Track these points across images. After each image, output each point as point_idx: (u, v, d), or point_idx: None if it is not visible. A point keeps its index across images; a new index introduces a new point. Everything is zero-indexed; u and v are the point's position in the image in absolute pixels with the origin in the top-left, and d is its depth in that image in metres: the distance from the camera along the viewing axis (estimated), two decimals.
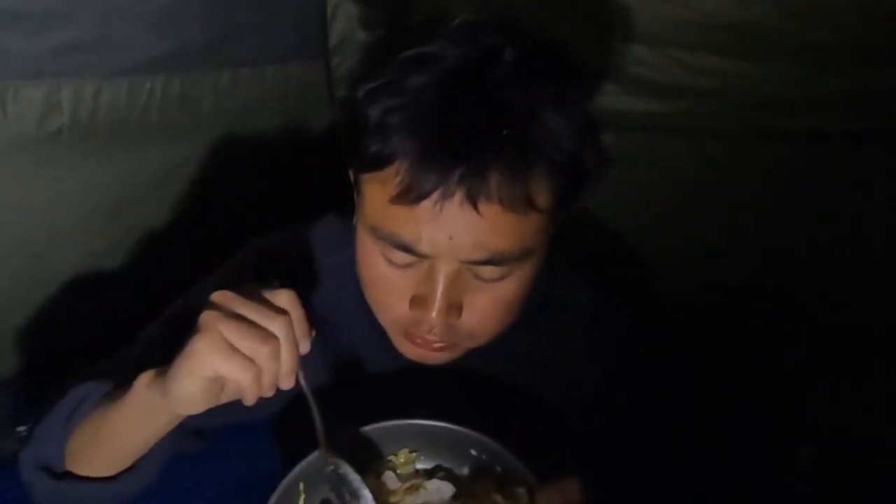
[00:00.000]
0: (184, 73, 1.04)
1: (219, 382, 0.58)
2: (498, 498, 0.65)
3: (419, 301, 0.67)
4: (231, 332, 0.56)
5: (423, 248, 0.64)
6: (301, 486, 0.68)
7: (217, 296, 0.58)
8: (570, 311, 0.85)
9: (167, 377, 0.59)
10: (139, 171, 1.10)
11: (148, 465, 0.70)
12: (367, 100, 0.64)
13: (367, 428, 0.68)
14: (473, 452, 0.68)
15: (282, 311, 0.58)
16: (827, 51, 0.99)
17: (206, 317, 0.57)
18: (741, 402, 1.13)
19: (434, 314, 0.66)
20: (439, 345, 0.71)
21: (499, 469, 0.66)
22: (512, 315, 0.72)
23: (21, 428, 1.19)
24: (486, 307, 0.69)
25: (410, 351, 0.74)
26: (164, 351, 0.76)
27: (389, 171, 0.62)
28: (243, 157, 1.25)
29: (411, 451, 0.71)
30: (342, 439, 0.67)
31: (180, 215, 1.18)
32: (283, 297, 0.59)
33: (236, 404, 0.62)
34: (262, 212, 1.17)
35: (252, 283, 0.60)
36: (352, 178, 0.74)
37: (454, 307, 0.67)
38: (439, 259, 0.65)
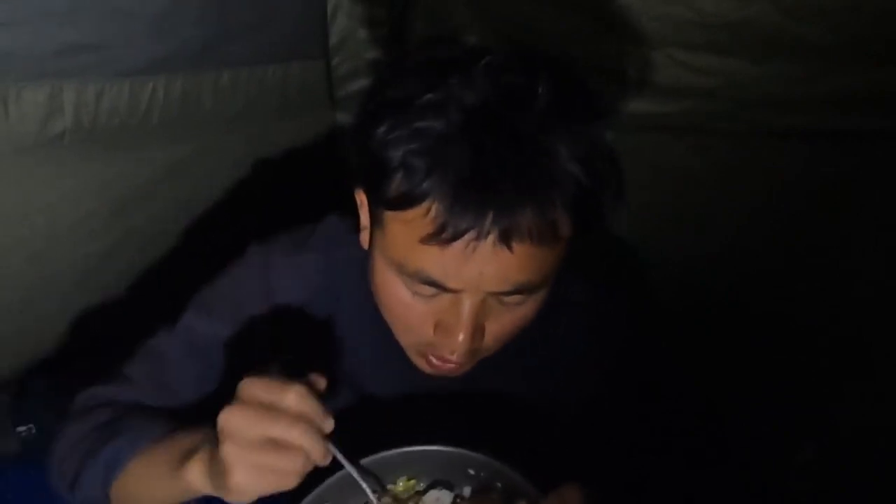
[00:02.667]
0: (185, 74, 1.04)
1: None
2: None
3: (444, 328, 0.68)
4: (259, 460, 0.57)
5: (453, 284, 0.64)
6: None
7: (230, 420, 0.57)
8: (569, 311, 0.85)
9: (215, 486, 0.61)
10: (140, 173, 1.10)
11: None
12: (386, 142, 0.63)
13: (364, 461, 0.68)
14: (471, 472, 0.68)
15: (299, 411, 0.58)
16: (827, 50, 0.99)
17: (229, 452, 0.57)
18: (741, 402, 1.13)
19: (461, 340, 0.67)
20: (455, 365, 0.72)
21: (499, 485, 0.66)
22: (527, 326, 0.73)
23: (21, 428, 1.19)
24: (506, 327, 0.70)
25: (425, 367, 0.74)
26: (177, 363, 0.80)
27: (417, 211, 0.62)
28: (244, 157, 1.25)
29: (409, 479, 0.71)
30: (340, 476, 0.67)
31: (181, 216, 1.19)
32: (293, 398, 0.58)
33: None
34: (263, 211, 1.17)
35: (255, 378, 0.59)
36: (360, 201, 0.73)
37: (478, 331, 0.68)
38: (466, 291, 0.65)
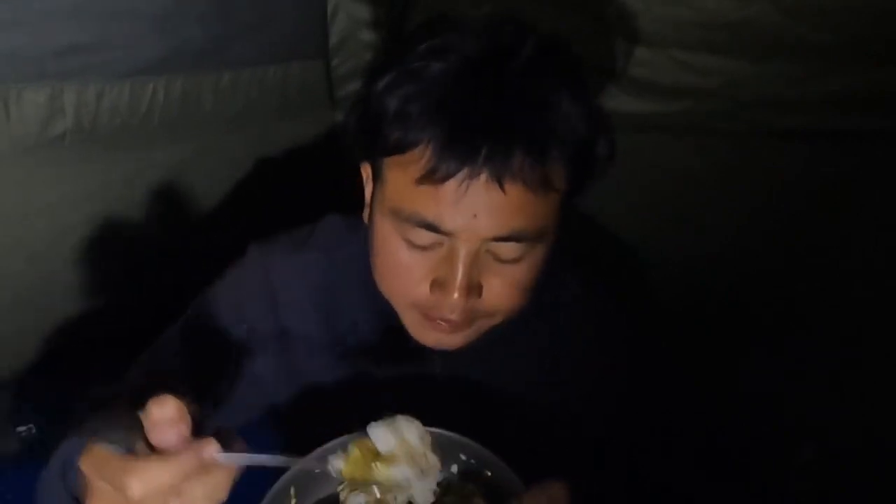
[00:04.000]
0: (185, 75, 1.05)
1: None
2: (479, 501, 0.65)
3: (440, 284, 0.69)
4: None
5: (447, 225, 0.65)
6: (292, 490, 0.68)
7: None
8: (569, 311, 0.86)
9: None
10: (141, 173, 1.10)
11: None
12: (385, 90, 0.66)
13: (354, 436, 0.68)
14: (463, 457, 0.68)
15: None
16: (827, 51, 0.99)
17: None
18: (741, 402, 1.13)
19: (455, 295, 0.67)
20: (455, 329, 0.72)
21: (488, 473, 0.67)
22: (525, 296, 0.73)
23: (21, 428, 1.19)
24: (504, 288, 0.70)
25: (427, 336, 0.74)
26: (179, 364, 0.77)
27: (413, 154, 0.64)
28: (244, 157, 1.25)
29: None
30: (335, 446, 0.65)
31: (182, 216, 1.19)
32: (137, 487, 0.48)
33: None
34: (263, 211, 1.17)
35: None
36: (365, 174, 0.75)
37: (474, 288, 0.69)
38: (461, 238, 0.66)
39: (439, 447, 0.66)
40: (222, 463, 0.51)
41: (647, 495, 0.83)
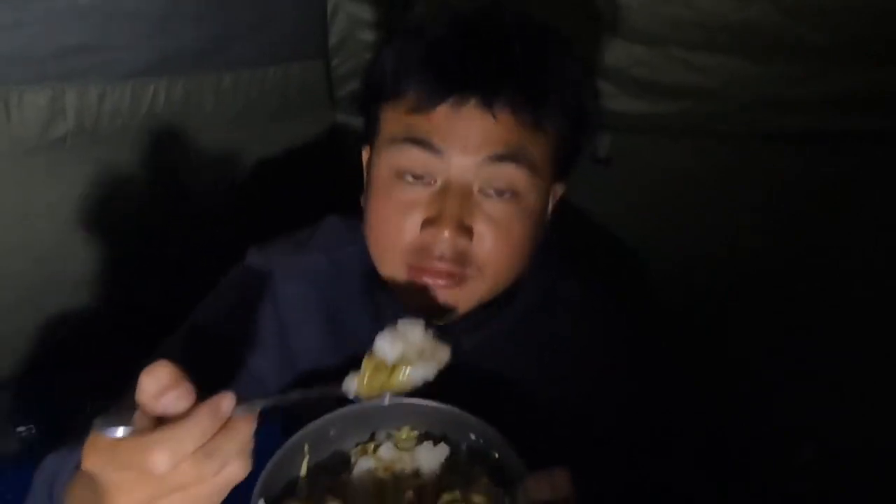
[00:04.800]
0: (186, 76, 1.05)
1: None
2: (485, 480, 0.65)
3: (431, 220, 0.70)
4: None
5: (439, 139, 0.68)
6: (306, 447, 0.67)
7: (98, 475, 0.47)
8: (569, 312, 0.86)
9: None
10: (143, 175, 1.10)
11: None
12: (387, 49, 0.72)
13: (372, 404, 0.66)
14: (472, 437, 0.68)
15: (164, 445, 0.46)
16: (827, 51, 0.99)
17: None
18: (741, 402, 1.13)
19: (446, 232, 0.68)
20: (446, 281, 0.71)
21: (496, 455, 0.66)
22: (517, 259, 0.74)
23: (21, 428, 1.19)
24: (494, 237, 0.71)
25: (419, 299, 0.73)
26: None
27: (407, 94, 0.69)
28: (244, 157, 1.25)
29: (412, 430, 0.71)
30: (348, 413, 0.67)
31: (184, 217, 1.19)
32: (160, 452, 0.46)
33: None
34: (264, 211, 1.17)
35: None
36: (365, 157, 0.78)
37: (464, 228, 0.69)
38: (452, 165, 0.68)
39: (451, 425, 0.68)
40: (241, 413, 0.49)
41: (647, 495, 0.83)
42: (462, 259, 0.71)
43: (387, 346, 0.59)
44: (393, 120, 0.72)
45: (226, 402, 0.48)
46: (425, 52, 0.69)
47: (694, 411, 0.99)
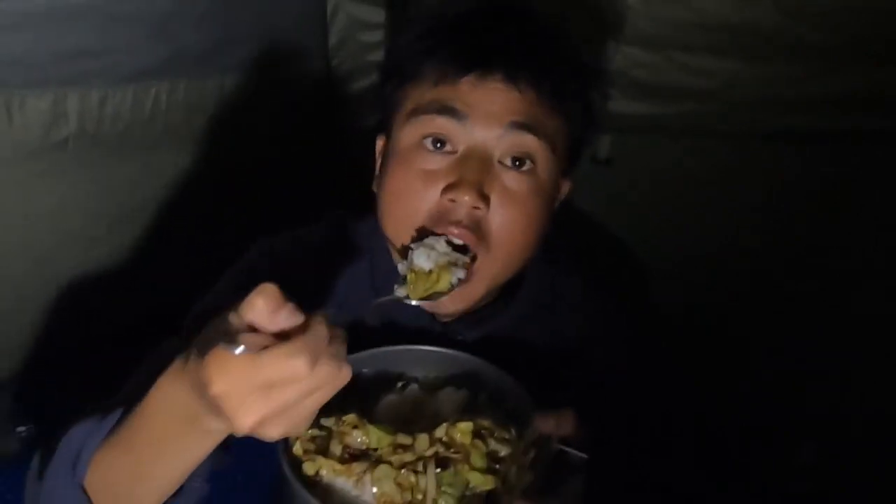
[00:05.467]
0: (188, 79, 1.05)
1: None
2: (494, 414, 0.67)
3: (453, 185, 0.70)
4: (277, 411, 0.49)
5: (463, 106, 0.70)
6: None
7: (222, 387, 0.49)
8: (569, 312, 0.86)
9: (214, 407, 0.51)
10: (144, 177, 1.10)
11: (196, 481, 0.64)
12: (407, 34, 0.74)
13: (397, 348, 0.72)
14: (491, 384, 0.70)
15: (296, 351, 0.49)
16: (826, 51, 0.99)
17: (244, 417, 0.49)
18: (741, 402, 1.13)
19: (466, 195, 0.69)
20: (464, 237, 0.72)
21: (510, 403, 0.68)
22: (527, 237, 0.74)
23: (21, 428, 1.19)
24: (510, 208, 0.72)
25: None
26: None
27: (432, 72, 0.71)
28: (246, 159, 1.25)
29: (437, 375, 0.73)
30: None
31: (185, 219, 1.19)
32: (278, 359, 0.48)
33: None
34: (266, 212, 1.17)
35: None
36: (380, 145, 0.79)
37: (483, 195, 0.71)
38: (477, 125, 0.70)
39: (472, 372, 0.71)
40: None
41: (647, 495, 0.83)
42: (477, 227, 0.72)
43: (423, 258, 0.70)
44: (416, 96, 0.73)
45: (325, 315, 0.51)
46: (450, 29, 0.72)
47: (693, 411, 0.99)
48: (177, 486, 0.61)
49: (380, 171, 0.78)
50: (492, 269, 0.74)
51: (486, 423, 0.63)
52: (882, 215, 1.06)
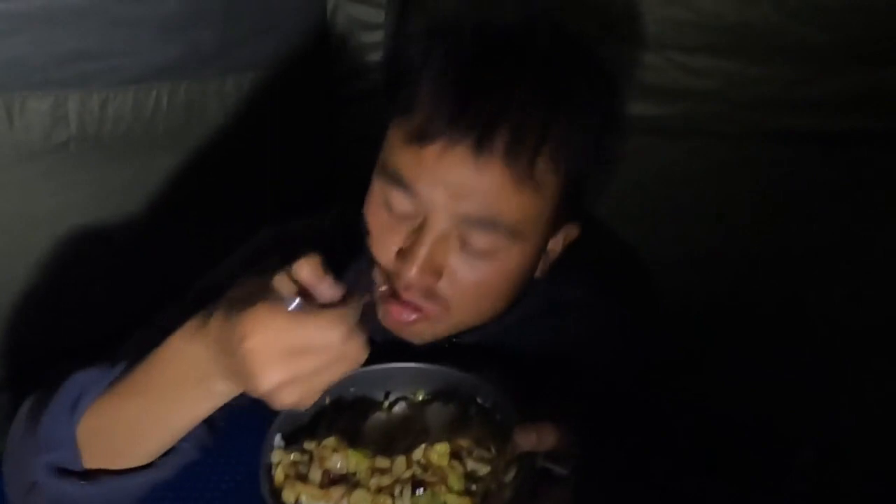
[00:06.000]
0: (189, 81, 1.05)
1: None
2: (476, 432, 0.67)
3: (403, 252, 0.69)
4: (301, 384, 0.52)
5: (420, 189, 0.66)
6: (326, 399, 0.70)
7: (257, 344, 0.50)
8: (568, 312, 0.86)
9: (227, 368, 0.53)
10: (146, 180, 1.10)
11: (187, 442, 0.65)
12: (411, 51, 0.69)
13: (390, 365, 0.71)
14: (479, 400, 0.70)
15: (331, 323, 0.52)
16: (827, 51, 0.99)
17: (267, 381, 0.51)
18: (741, 403, 1.13)
19: (413, 268, 0.67)
20: (413, 314, 0.71)
21: (498, 417, 0.68)
22: (490, 305, 0.72)
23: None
24: (466, 282, 0.69)
25: (388, 317, 0.74)
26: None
27: (413, 115, 0.66)
28: (247, 161, 1.25)
29: (426, 392, 0.72)
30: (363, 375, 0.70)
31: (187, 222, 1.19)
32: (334, 335, 0.51)
33: None
34: (266, 213, 1.17)
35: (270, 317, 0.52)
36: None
37: (434, 269, 0.68)
38: (432, 211, 0.66)
39: (461, 387, 0.70)
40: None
41: (646, 496, 0.83)
42: (428, 293, 0.70)
43: None
44: (393, 138, 0.69)
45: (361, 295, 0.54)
46: (439, 79, 0.66)
47: (692, 410, 0.99)
48: (169, 446, 0.63)
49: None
50: (446, 326, 0.73)
51: (464, 442, 0.64)
52: (882, 216, 1.06)
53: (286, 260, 0.68)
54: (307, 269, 0.54)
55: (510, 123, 0.63)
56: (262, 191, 1.28)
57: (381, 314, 0.74)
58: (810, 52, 1.00)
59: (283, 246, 0.80)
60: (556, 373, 0.85)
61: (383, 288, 0.72)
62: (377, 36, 1.31)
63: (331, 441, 0.64)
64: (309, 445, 0.65)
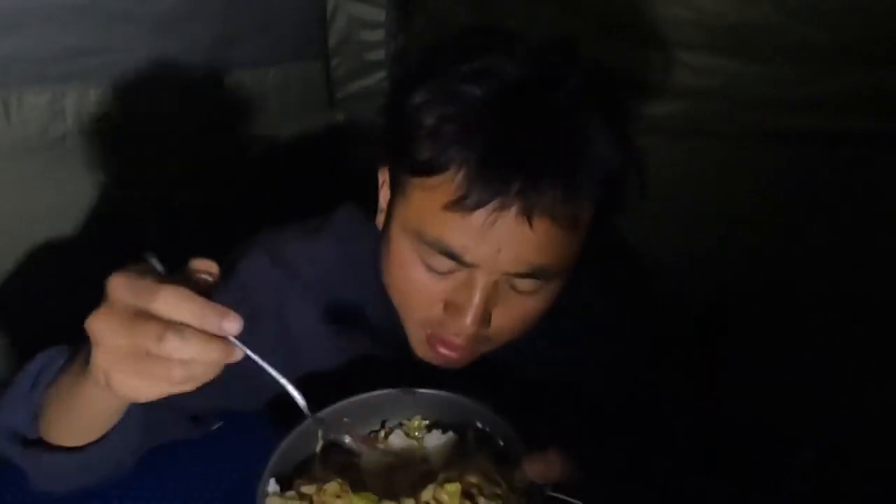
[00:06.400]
0: (185, 78, 1.05)
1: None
2: (484, 463, 0.65)
3: (454, 307, 0.68)
4: (135, 368, 0.48)
5: (470, 257, 0.64)
6: (319, 432, 0.67)
7: (96, 326, 0.50)
8: (566, 310, 0.85)
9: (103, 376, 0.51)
10: (143, 176, 1.10)
11: (118, 438, 0.67)
12: (421, 107, 0.63)
13: (384, 393, 0.69)
14: (479, 424, 0.68)
15: (172, 318, 0.48)
16: (827, 51, 0.99)
17: (101, 359, 0.49)
18: (741, 402, 1.13)
19: (468, 321, 0.66)
20: (458, 352, 0.72)
21: (501, 443, 0.67)
22: (528, 329, 0.73)
23: None
24: (514, 318, 0.70)
25: (428, 354, 0.74)
26: None
27: (443, 177, 0.62)
28: (245, 158, 1.25)
29: (423, 419, 0.72)
30: (353, 407, 0.68)
31: (184, 218, 1.19)
32: (164, 303, 0.48)
33: (219, 393, 0.60)
34: (265, 212, 1.17)
35: (123, 276, 0.52)
36: (383, 179, 0.74)
37: (486, 317, 0.68)
38: (482, 269, 0.65)
39: (459, 413, 0.68)
40: (232, 342, 0.49)
41: (646, 496, 0.83)
42: (477, 337, 0.70)
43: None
44: (423, 202, 0.64)
45: (234, 321, 0.48)
46: (469, 138, 0.61)
47: (692, 410, 0.99)
48: (96, 435, 0.65)
49: (383, 223, 0.74)
50: (490, 347, 0.73)
51: (473, 478, 0.62)
52: (882, 216, 1.06)
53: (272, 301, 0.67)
54: (197, 264, 0.52)
55: (557, 179, 0.61)
56: (260, 187, 1.28)
57: (421, 352, 0.75)
58: (810, 52, 1.00)
59: (274, 257, 0.80)
60: (557, 374, 0.85)
61: (424, 332, 0.72)
62: (378, 35, 1.31)
63: (333, 486, 0.61)
64: (307, 489, 0.62)
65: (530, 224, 0.61)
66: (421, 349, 0.75)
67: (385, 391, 0.68)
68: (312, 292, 0.80)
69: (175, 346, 0.47)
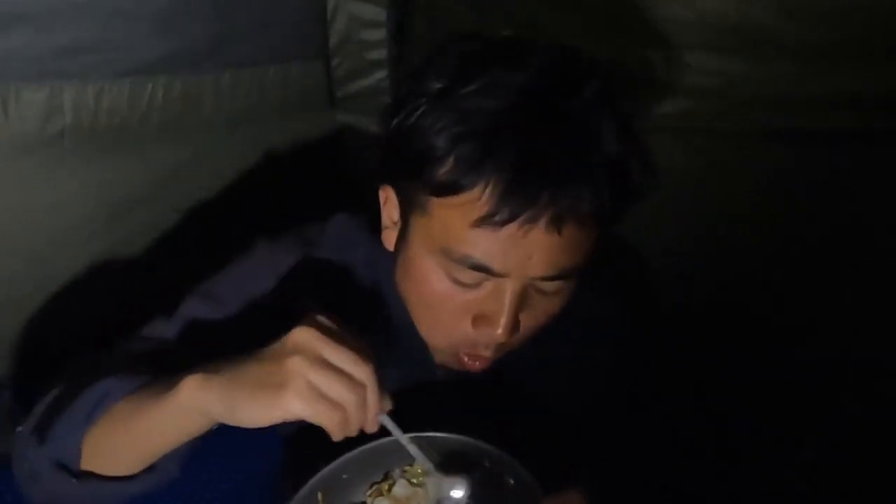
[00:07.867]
0: (185, 75, 1.04)
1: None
2: None
3: (485, 319, 0.67)
4: (321, 380, 0.56)
5: (500, 267, 0.64)
6: (319, 495, 0.67)
7: (302, 334, 0.58)
8: (567, 311, 0.85)
9: (232, 396, 0.57)
10: (141, 173, 1.10)
11: (170, 463, 0.68)
12: (431, 128, 0.63)
13: (382, 442, 0.67)
14: (486, 464, 0.67)
15: (366, 358, 0.58)
16: (827, 51, 0.99)
17: (294, 363, 0.56)
18: (741, 402, 1.13)
19: (500, 332, 0.66)
20: (484, 363, 0.72)
21: (511, 482, 0.66)
22: (545, 327, 0.73)
23: (21, 428, 1.19)
24: (538, 319, 0.70)
25: (448, 361, 0.75)
26: (180, 350, 0.75)
27: (468, 195, 0.62)
28: (244, 158, 1.25)
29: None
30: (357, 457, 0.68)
31: (182, 217, 1.18)
32: (358, 346, 0.58)
33: None
34: (264, 212, 1.17)
35: (318, 315, 0.60)
36: (385, 196, 0.73)
37: (516, 325, 0.68)
38: (508, 277, 0.65)
39: (464, 454, 0.67)
40: (378, 416, 0.60)
41: (647, 496, 0.83)
42: (505, 345, 0.70)
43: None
44: (449, 220, 0.64)
45: (386, 400, 0.60)
46: (492, 155, 0.60)
47: (693, 412, 0.99)
48: (150, 462, 0.66)
49: (395, 243, 0.74)
50: (511, 348, 0.73)
51: None
52: (882, 215, 1.06)
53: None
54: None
55: (585, 185, 0.62)
56: (259, 186, 1.28)
57: (441, 359, 0.76)
58: (810, 52, 1.00)
59: (277, 268, 0.80)
60: (557, 374, 0.85)
61: (450, 349, 0.72)
62: (379, 34, 1.31)
63: None
64: None
65: (559, 231, 0.62)
66: (446, 360, 0.75)
67: (378, 442, 0.66)
68: (312, 307, 0.80)
69: (369, 372, 0.57)
